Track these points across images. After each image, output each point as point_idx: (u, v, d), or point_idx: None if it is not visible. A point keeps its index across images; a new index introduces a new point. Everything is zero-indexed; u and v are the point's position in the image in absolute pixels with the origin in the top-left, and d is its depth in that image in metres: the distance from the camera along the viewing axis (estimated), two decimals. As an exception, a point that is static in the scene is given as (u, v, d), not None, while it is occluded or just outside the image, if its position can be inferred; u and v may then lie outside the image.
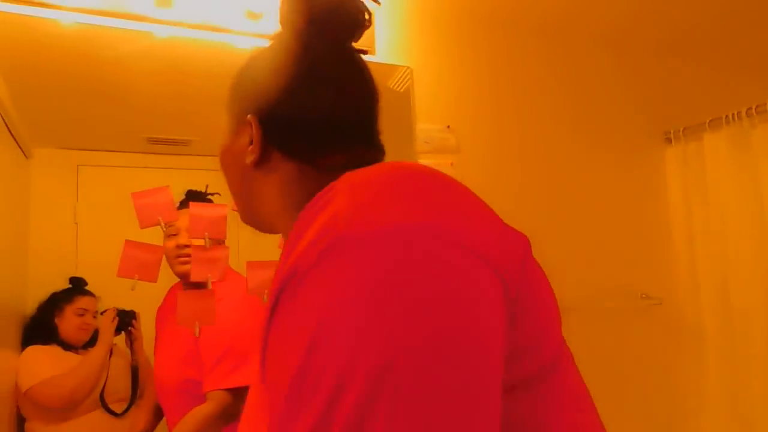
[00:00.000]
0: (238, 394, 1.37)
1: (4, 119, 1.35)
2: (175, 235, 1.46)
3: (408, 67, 1.93)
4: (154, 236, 1.43)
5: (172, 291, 1.48)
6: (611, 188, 2.31)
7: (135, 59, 1.52)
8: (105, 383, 1.39)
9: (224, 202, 1.50)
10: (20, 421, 1.31)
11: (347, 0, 0.66)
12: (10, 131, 1.36)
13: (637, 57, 2.46)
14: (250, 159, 0.64)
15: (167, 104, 1.57)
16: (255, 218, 0.71)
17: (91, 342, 1.41)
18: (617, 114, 2.37)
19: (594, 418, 0.56)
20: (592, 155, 2.29)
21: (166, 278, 1.46)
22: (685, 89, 2.56)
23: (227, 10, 1.65)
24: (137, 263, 1.37)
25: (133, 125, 1.53)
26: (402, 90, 1.90)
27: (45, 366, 1.34)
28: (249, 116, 0.64)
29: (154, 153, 1.54)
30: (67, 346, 1.38)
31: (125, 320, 1.44)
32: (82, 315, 1.40)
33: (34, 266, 1.37)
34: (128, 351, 1.45)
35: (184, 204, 1.49)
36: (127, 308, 1.44)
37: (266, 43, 0.70)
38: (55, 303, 1.37)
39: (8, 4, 1.40)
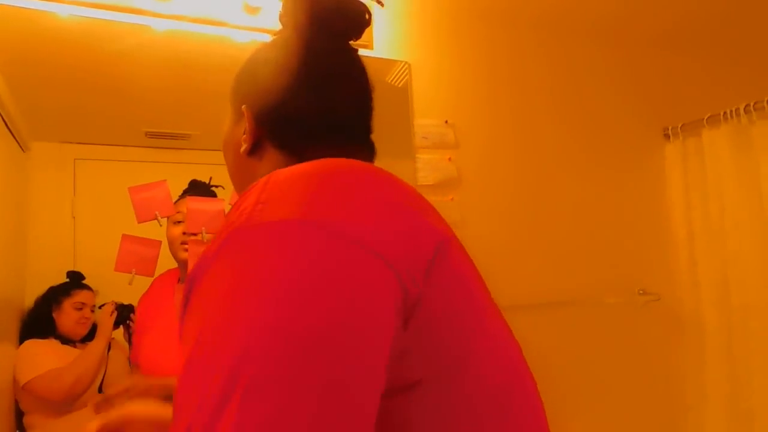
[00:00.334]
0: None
1: (1, 113, 1.34)
2: (181, 222, 1.47)
3: (406, 62, 1.93)
4: (151, 231, 1.43)
5: (160, 280, 1.48)
6: (610, 184, 2.31)
7: (134, 53, 1.52)
8: (104, 377, 1.39)
9: (226, 195, 1.50)
10: (19, 415, 1.32)
11: (349, 0, 0.69)
12: (7, 125, 1.36)
13: (636, 53, 2.46)
14: (243, 147, 0.68)
15: (166, 98, 1.56)
16: None
17: (89, 336, 1.41)
18: (616, 110, 2.37)
19: None
20: (591, 151, 2.29)
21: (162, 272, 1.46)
22: (684, 85, 2.56)
23: (225, 4, 1.65)
24: (135, 258, 1.37)
25: (132, 119, 1.52)
26: (400, 85, 1.90)
27: (43, 359, 1.34)
28: (243, 107, 0.68)
29: (152, 147, 1.54)
30: (65, 340, 1.38)
31: (124, 314, 1.44)
32: (80, 309, 1.40)
33: (32, 260, 1.37)
34: (126, 345, 1.45)
35: (185, 193, 1.49)
36: (125, 302, 1.44)
37: (267, 38, 0.73)
38: (53, 297, 1.37)
39: (6, -3, 1.39)
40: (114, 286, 1.42)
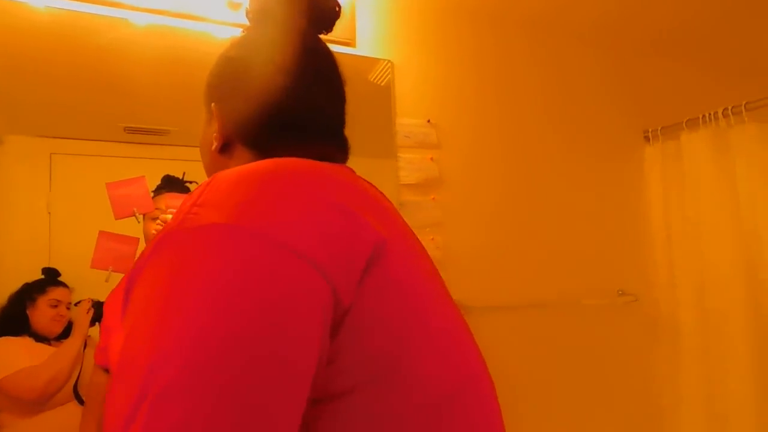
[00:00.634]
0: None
1: (-25, 106, 1.32)
2: (157, 218, 1.45)
3: (389, 61, 1.92)
4: (129, 227, 1.41)
5: (124, 279, 1.45)
6: (591, 185, 2.33)
7: (113, 47, 1.50)
8: (79, 375, 1.37)
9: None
10: (-9, 414, 1.29)
11: None
12: (-19, 118, 1.34)
13: (619, 56, 2.48)
14: (214, 145, 0.68)
15: (145, 93, 1.54)
16: None
17: (65, 334, 1.39)
18: (598, 112, 2.39)
19: None
20: (572, 153, 2.30)
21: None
22: (665, 89, 2.59)
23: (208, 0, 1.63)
24: (112, 254, 1.35)
25: (110, 114, 1.50)
26: (383, 84, 1.89)
27: (17, 358, 1.32)
28: (213, 105, 0.68)
29: (130, 142, 1.51)
30: (39, 338, 1.36)
31: (100, 312, 1.42)
32: (56, 306, 1.38)
33: (6, 256, 1.34)
34: (102, 343, 1.43)
35: (160, 189, 1.47)
36: (102, 299, 1.42)
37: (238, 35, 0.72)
38: (26, 294, 1.35)
39: (-19, -13, 1.36)
40: (90, 284, 1.40)
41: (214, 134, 0.68)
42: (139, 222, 1.43)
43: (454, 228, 1.98)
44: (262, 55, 0.66)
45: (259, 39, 0.68)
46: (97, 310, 1.41)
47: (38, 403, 1.32)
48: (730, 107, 2.15)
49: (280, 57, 0.65)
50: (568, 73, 2.34)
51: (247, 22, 0.72)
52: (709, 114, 2.22)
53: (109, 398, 0.42)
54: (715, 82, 2.71)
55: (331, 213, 0.48)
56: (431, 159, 1.97)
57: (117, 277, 1.40)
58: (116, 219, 1.39)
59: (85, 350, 1.39)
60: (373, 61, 1.90)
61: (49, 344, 1.37)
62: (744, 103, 2.11)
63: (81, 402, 1.36)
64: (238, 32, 1.67)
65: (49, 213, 1.39)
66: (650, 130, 2.47)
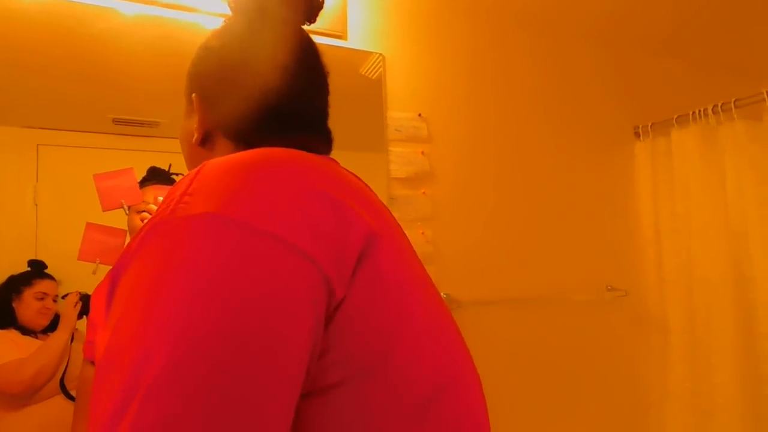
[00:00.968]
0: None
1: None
2: (142, 211, 1.44)
3: (380, 54, 1.91)
4: (116, 219, 1.40)
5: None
6: (581, 181, 2.33)
7: (101, 37, 1.48)
8: (66, 368, 1.36)
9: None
10: (-25, 407, 1.28)
11: None
12: (-34, 108, 1.32)
13: (611, 53, 2.48)
14: (194, 137, 0.67)
15: (134, 84, 1.53)
16: None
17: (51, 327, 1.38)
18: (589, 107, 2.40)
19: None
20: (564, 148, 2.31)
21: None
22: (655, 85, 2.60)
23: (198, -10, 1.62)
24: (99, 247, 1.34)
25: (98, 105, 1.49)
26: (374, 77, 1.88)
27: (3, 350, 1.30)
28: (193, 96, 0.67)
29: (119, 134, 1.50)
30: (25, 331, 1.35)
31: (88, 304, 1.41)
32: (42, 299, 1.36)
33: (-8, 248, 1.33)
34: (90, 336, 1.42)
35: (146, 181, 1.46)
36: (89, 292, 1.40)
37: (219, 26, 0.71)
38: (12, 286, 1.34)
39: (-34, -25, 1.34)
40: (77, 276, 1.39)
41: (195, 126, 0.67)
42: (127, 214, 1.42)
43: (445, 222, 1.98)
44: (243, 46, 0.65)
45: (240, 29, 0.67)
46: (85, 303, 1.40)
47: (24, 396, 1.31)
48: (719, 104, 2.17)
49: (262, 48, 0.64)
50: (559, 69, 2.34)
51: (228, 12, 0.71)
52: (699, 111, 2.24)
53: (94, 393, 0.41)
54: (705, 79, 2.72)
55: (322, 204, 0.47)
56: (422, 153, 1.96)
57: (104, 270, 1.39)
58: (104, 211, 1.38)
59: (73, 343, 1.38)
60: (364, 55, 1.89)
61: (36, 337, 1.36)
62: (733, 100, 2.12)
63: (68, 395, 1.35)
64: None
65: (36, 204, 1.38)
66: (640, 126, 2.48)
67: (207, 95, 0.66)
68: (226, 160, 0.48)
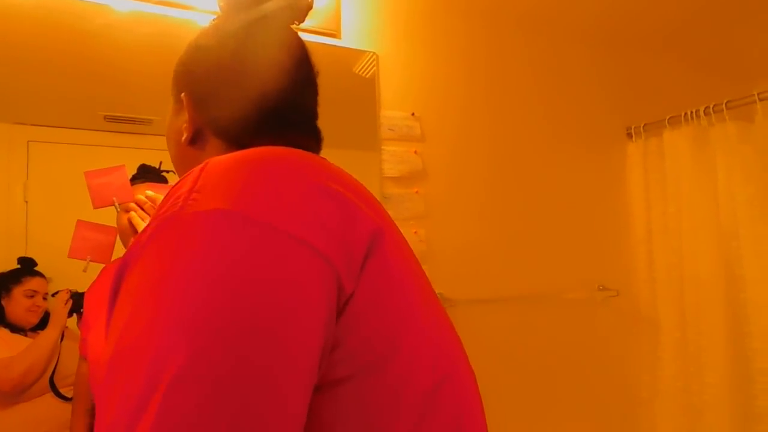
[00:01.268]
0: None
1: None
2: (129, 210, 1.42)
3: (374, 53, 1.91)
4: (107, 217, 1.39)
5: (108, 268, 1.43)
6: (573, 181, 2.34)
7: (94, 33, 1.47)
8: (56, 367, 1.35)
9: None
10: (-36, 406, 1.27)
11: None
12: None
13: (604, 53, 2.49)
14: (184, 136, 0.66)
15: (127, 81, 1.52)
16: None
17: (41, 325, 1.37)
18: (582, 108, 2.40)
19: None
20: (557, 148, 2.31)
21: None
22: (648, 86, 2.61)
23: (191, -13, 1.61)
24: (90, 244, 1.32)
25: (90, 101, 1.48)
26: (367, 76, 1.88)
27: (-8, 348, 1.30)
28: (183, 95, 0.66)
29: (111, 131, 1.49)
30: (14, 329, 1.34)
31: (79, 302, 1.40)
32: (32, 297, 1.35)
33: (-19, 246, 1.32)
34: (80, 334, 1.41)
35: (136, 178, 1.45)
36: (80, 290, 1.39)
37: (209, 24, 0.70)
38: (1, 284, 1.33)
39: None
40: (68, 274, 1.38)
41: (184, 125, 0.66)
42: (117, 211, 1.41)
43: (438, 221, 1.99)
44: (236, 45, 0.64)
45: (232, 28, 0.66)
46: (76, 301, 1.39)
47: (13, 394, 1.30)
48: (711, 105, 2.18)
49: (255, 47, 0.64)
50: (553, 70, 2.35)
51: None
52: (691, 112, 2.25)
53: (104, 391, 0.41)
54: (697, 81, 2.73)
55: (329, 201, 0.48)
56: (415, 152, 1.96)
57: (95, 267, 1.38)
58: (95, 208, 1.37)
59: (63, 341, 1.37)
60: (358, 53, 1.89)
61: (26, 335, 1.35)
62: (725, 101, 2.13)
63: (57, 394, 1.34)
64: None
65: (26, 202, 1.37)
66: (633, 127, 2.49)
67: (198, 94, 0.66)
68: (230, 157, 0.49)
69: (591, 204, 2.38)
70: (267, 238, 0.42)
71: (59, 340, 1.37)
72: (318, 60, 0.71)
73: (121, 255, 1.32)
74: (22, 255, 1.35)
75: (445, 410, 0.51)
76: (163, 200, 0.47)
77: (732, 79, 2.79)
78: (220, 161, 0.48)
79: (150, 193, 1.12)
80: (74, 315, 1.40)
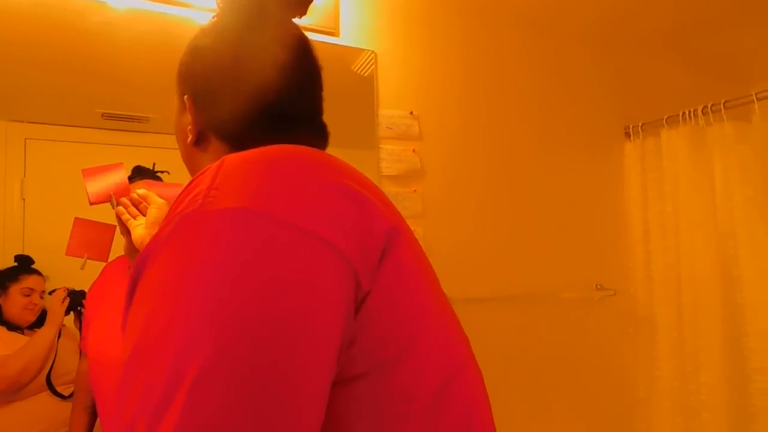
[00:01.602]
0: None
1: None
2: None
3: (372, 51, 1.91)
4: (105, 215, 1.39)
5: (110, 266, 1.43)
6: (571, 180, 2.34)
7: (91, 31, 1.47)
8: (52, 365, 1.35)
9: (173, 180, 1.45)
10: (-39, 404, 1.27)
11: None
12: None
13: (602, 53, 2.49)
14: (189, 138, 0.67)
15: (124, 79, 1.51)
16: None
17: (38, 323, 1.36)
18: (580, 107, 2.41)
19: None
20: (555, 147, 2.31)
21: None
22: (646, 86, 2.61)
23: (189, -16, 1.61)
24: (87, 242, 1.32)
25: (88, 99, 1.47)
26: (366, 74, 1.88)
27: (-12, 346, 1.29)
28: (185, 98, 0.66)
29: (109, 129, 1.49)
30: (11, 327, 1.33)
31: (76, 300, 1.39)
32: (29, 295, 1.35)
33: (-22, 243, 1.32)
34: (77, 332, 1.40)
35: (132, 179, 1.44)
36: (77, 288, 1.39)
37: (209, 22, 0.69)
38: (-2, 282, 1.32)
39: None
40: (65, 271, 1.37)
41: (189, 127, 0.66)
42: (114, 209, 1.40)
43: (435, 220, 1.99)
44: (235, 44, 0.64)
45: (228, 26, 0.66)
46: (73, 299, 1.39)
47: (10, 392, 1.29)
48: (709, 105, 2.19)
49: (256, 46, 0.63)
50: (551, 69, 2.35)
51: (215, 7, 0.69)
52: (689, 111, 2.25)
53: (123, 385, 0.41)
54: (695, 81, 2.74)
55: (346, 198, 0.48)
56: (413, 151, 1.96)
57: (92, 265, 1.38)
58: (91, 205, 1.36)
59: (60, 339, 1.37)
60: (356, 52, 1.88)
61: (22, 333, 1.35)
62: (723, 101, 2.14)
63: (54, 392, 1.34)
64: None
65: (23, 199, 1.36)
66: (631, 126, 2.49)
67: (198, 95, 0.66)
68: (246, 155, 0.49)
69: (588, 203, 2.38)
70: (286, 235, 0.43)
71: (56, 338, 1.36)
72: (316, 58, 0.71)
73: (120, 253, 1.32)
74: (19, 252, 1.35)
75: (456, 406, 0.52)
76: (179, 197, 0.47)
77: (730, 79, 2.79)
78: (237, 159, 0.48)
79: (141, 191, 1.12)
80: (71, 313, 1.40)
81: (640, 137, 2.45)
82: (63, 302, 1.38)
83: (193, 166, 0.69)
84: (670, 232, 2.30)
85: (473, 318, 2.00)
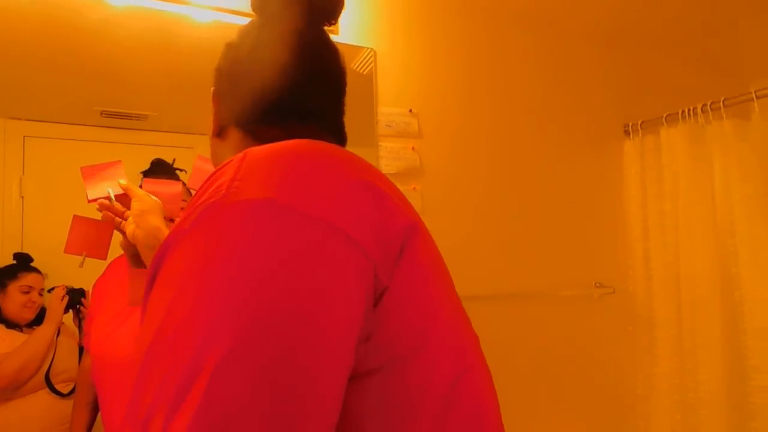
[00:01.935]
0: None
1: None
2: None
3: (371, 49, 1.91)
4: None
5: (115, 263, 1.43)
6: (571, 178, 2.34)
7: (90, 28, 1.47)
8: (51, 363, 1.35)
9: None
10: (-40, 401, 1.27)
11: None
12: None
13: (602, 50, 2.49)
14: (212, 128, 0.71)
15: (123, 77, 1.51)
16: None
17: (37, 320, 1.36)
18: (580, 105, 2.40)
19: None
20: (554, 145, 2.31)
21: (117, 255, 1.42)
22: (645, 84, 2.61)
23: (187, -18, 1.60)
24: (86, 239, 1.32)
25: (86, 97, 1.47)
26: (365, 72, 1.88)
27: (-13, 344, 1.29)
28: (212, 89, 0.71)
29: (107, 127, 1.49)
30: (10, 325, 1.33)
31: (74, 298, 1.39)
32: (27, 293, 1.35)
33: (-24, 241, 1.32)
34: (76, 330, 1.40)
35: (147, 173, 1.44)
36: (76, 286, 1.39)
37: (230, 19, 0.74)
38: (-3, 280, 1.32)
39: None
40: (64, 269, 1.37)
41: (213, 117, 0.71)
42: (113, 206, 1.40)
43: (434, 218, 1.98)
44: (258, 43, 0.67)
45: (258, 27, 0.69)
46: (72, 297, 1.39)
47: (8, 390, 1.29)
48: (708, 103, 2.18)
49: (276, 47, 0.66)
50: (551, 67, 2.34)
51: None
52: (689, 109, 2.25)
53: (143, 372, 0.42)
54: (694, 78, 2.73)
55: (367, 194, 0.49)
56: (412, 148, 1.96)
57: (91, 262, 1.37)
58: (89, 203, 1.36)
59: (59, 337, 1.37)
60: (355, 49, 1.88)
61: (21, 331, 1.35)
62: (722, 99, 2.13)
63: (53, 390, 1.34)
64: (219, 16, 1.65)
65: (22, 197, 1.36)
66: (630, 124, 2.49)
67: (222, 88, 0.71)
68: (270, 148, 0.50)
69: (588, 201, 2.38)
70: (309, 228, 0.43)
71: (55, 336, 1.36)
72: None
73: (119, 250, 1.32)
74: (18, 250, 1.35)
75: (465, 403, 0.52)
76: (201, 188, 0.48)
77: (729, 76, 2.79)
78: (260, 151, 0.49)
79: (123, 182, 1.13)
80: (70, 311, 1.40)
81: (640, 135, 2.45)
82: (62, 300, 1.38)
83: (216, 159, 0.72)
84: (669, 229, 2.30)
85: (472, 315, 1.99)
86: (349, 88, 0.75)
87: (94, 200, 1.14)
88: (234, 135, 0.68)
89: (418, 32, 2.04)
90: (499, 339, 2.07)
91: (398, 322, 0.48)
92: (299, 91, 0.67)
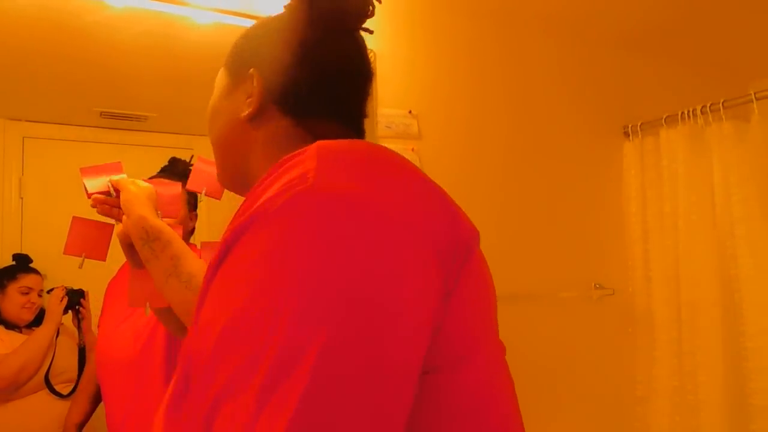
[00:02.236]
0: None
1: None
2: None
3: (371, 50, 1.90)
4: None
5: (127, 265, 1.44)
6: (570, 180, 2.34)
7: (89, 30, 1.47)
8: (51, 363, 1.35)
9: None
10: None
11: None
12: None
13: (601, 52, 2.49)
14: (246, 112, 0.67)
15: (123, 78, 1.51)
16: (235, 176, 0.73)
17: (36, 321, 1.36)
18: (579, 107, 2.40)
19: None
20: (553, 147, 2.31)
21: (116, 256, 1.41)
22: (645, 85, 2.61)
23: (188, -17, 1.60)
24: (85, 240, 1.31)
25: (86, 98, 1.47)
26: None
27: (-14, 345, 1.29)
28: (252, 70, 0.67)
29: (107, 128, 1.49)
30: (9, 326, 1.34)
31: (74, 299, 1.39)
32: (27, 294, 1.35)
33: (-24, 242, 1.32)
34: (75, 330, 1.40)
35: (160, 172, 1.44)
36: (75, 287, 1.39)
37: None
38: (-4, 281, 1.32)
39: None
40: (63, 270, 1.37)
41: (248, 100, 0.67)
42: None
43: (434, 220, 1.98)
44: (308, 33, 0.67)
45: (305, 18, 0.68)
46: (71, 298, 1.39)
47: (8, 391, 1.30)
48: (708, 104, 2.18)
49: (324, 39, 0.67)
50: (549, 69, 2.34)
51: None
52: (688, 111, 2.25)
53: (214, 355, 0.42)
54: (694, 80, 2.73)
55: (440, 202, 0.52)
56: (412, 150, 1.96)
57: (90, 264, 1.37)
58: (88, 197, 1.36)
59: (58, 338, 1.37)
60: (355, 50, 1.88)
61: (20, 332, 1.35)
62: (722, 100, 2.13)
63: (52, 391, 1.34)
64: (219, 18, 1.64)
65: (21, 198, 1.36)
66: (630, 125, 2.49)
67: (267, 71, 0.67)
68: (342, 145, 0.50)
69: (587, 202, 2.38)
70: (386, 226, 0.44)
71: (54, 337, 1.36)
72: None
73: (118, 252, 1.32)
74: (17, 251, 1.35)
75: (497, 408, 0.54)
76: (265, 181, 0.48)
77: (728, 78, 2.79)
78: (332, 146, 0.49)
79: (115, 177, 1.13)
80: (69, 312, 1.40)
81: (639, 136, 2.45)
82: (61, 301, 1.38)
83: (236, 144, 0.70)
84: (668, 231, 2.30)
85: (472, 317, 2.00)
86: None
87: (94, 193, 1.13)
88: (278, 122, 0.66)
89: (417, 34, 2.04)
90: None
91: (455, 326, 0.48)
92: (352, 90, 0.69)
